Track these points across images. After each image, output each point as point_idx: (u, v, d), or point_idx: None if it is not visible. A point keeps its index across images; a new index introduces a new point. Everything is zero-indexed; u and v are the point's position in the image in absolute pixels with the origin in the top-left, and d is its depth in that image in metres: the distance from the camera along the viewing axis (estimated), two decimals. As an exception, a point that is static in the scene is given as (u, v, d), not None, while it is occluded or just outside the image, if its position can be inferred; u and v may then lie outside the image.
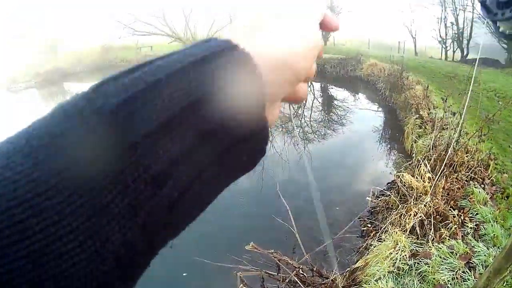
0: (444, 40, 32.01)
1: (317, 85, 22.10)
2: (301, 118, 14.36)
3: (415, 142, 8.95)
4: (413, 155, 8.29)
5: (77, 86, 24.02)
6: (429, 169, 6.14)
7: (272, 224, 5.77)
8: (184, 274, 5.64)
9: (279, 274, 4.27)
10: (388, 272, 4.31)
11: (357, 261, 5.06)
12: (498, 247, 4.31)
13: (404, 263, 4.35)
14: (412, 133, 9.67)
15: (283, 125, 12.89)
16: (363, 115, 14.93)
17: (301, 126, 13.25)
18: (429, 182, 5.81)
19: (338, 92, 20.28)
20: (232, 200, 7.52)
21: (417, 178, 6.19)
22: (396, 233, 4.89)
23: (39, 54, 29.47)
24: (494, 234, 4.61)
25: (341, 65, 24.01)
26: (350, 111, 15.54)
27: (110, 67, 28.38)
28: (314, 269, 4.41)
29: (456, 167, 6.38)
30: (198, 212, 0.35)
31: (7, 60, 27.39)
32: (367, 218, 6.55)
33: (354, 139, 11.90)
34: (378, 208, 6.72)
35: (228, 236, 6.42)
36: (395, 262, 4.38)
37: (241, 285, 3.99)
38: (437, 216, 5.07)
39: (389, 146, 11.16)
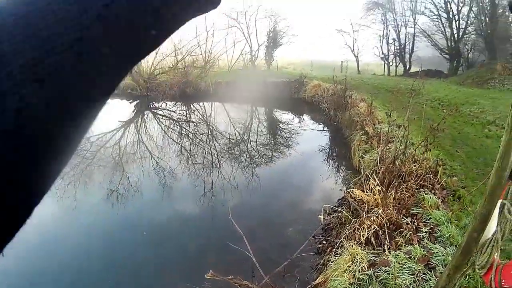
0: (387, 56, 33.55)
1: (261, 110, 22.36)
2: (247, 143, 14.44)
3: (362, 158, 9.20)
4: (361, 170, 8.52)
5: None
6: (378, 182, 6.34)
7: (228, 249, 5.74)
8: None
9: (241, 299, 4.23)
10: (349, 284, 4.37)
11: (316, 277, 5.10)
12: (455, 246, 4.49)
13: (364, 274, 4.42)
14: (359, 149, 9.94)
15: (230, 151, 12.95)
16: (309, 135, 15.24)
17: (248, 151, 13.32)
18: (379, 195, 5.99)
19: (283, 115, 20.63)
20: (185, 230, 7.44)
21: (367, 192, 6.36)
22: (352, 246, 4.99)
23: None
24: (449, 235, 4.82)
25: (285, 88, 24.42)
26: (296, 133, 15.84)
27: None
28: (275, 290, 4.41)
29: (405, 177, 6.63)
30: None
31: None
32: (321, 236, 6.62)
33: (301, 159, 12.05)
34: (331, 225, 6.82)
35: (184, 265, 6.29)
36: (355, 274, 4.45)
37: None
38: (391, 226, 5.23)
39: (336, 163, 11.42)
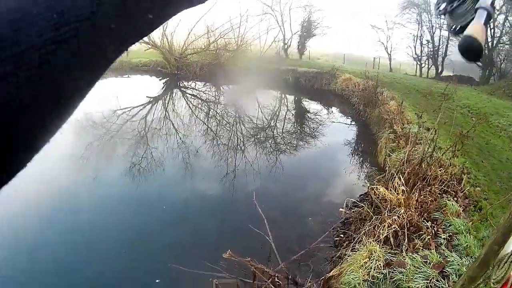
0: (419, 57, 32.89)
1: (290, 98, 22.27)
2: (274, 129, 14.41)
3: (388, 156, 9.07)
4: (386, 168, 8.39)
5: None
6: (403, 182, 6.22)
7: (246, 232, 5.74)
8: (157, 281, 5.49)
9: (254, 282, 4.22)
10: (363, 280, 4.32)
11: (331, 270, 5.06)
12: (471, 257, 4.39)
13: (379, 272, 4.37)
14: (386, 147, 9.80)
15: (255, 136, 12.94)
16: (336, 128, 15.10)
17: (273, 138, 13.28)
18: (402, 195, 5.88)
19: (311, 105, 20.47)
20: (205, 208, 7.48)
21: (390, 190, 6.26)
22: (371, 243, 4.92)
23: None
24: (467, 245, 4.70)
25: (315, 79, 24.25)
26: (323, 124, 15.70)
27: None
28: (290, 277, 4.39)
29: (429, 181, 6.50)
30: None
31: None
32: (340, 229, 6.57)
33: (326, 151, 11.96)
34: (351, 219, 6.75)
35: (204, 244, 6.31)
36: (370, 271, 4.40)
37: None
38: (411, 227, 5.14)
39: (361, 159, 11.29)
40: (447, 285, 3.95)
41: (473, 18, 0.72)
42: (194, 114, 16.39)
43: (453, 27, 0.81)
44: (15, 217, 7.02)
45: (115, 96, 17.47)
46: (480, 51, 0.65)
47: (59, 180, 8.91)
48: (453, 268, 4.21)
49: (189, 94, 22.19)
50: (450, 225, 5.24)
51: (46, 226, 6.89)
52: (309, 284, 4.40)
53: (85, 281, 5.40)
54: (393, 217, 5.30)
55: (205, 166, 10.00)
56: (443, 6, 0.81)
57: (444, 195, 6.22)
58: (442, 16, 0.83)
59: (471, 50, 0.66)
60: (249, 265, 4.11)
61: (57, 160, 9.65)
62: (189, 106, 18.14)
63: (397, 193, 6.06)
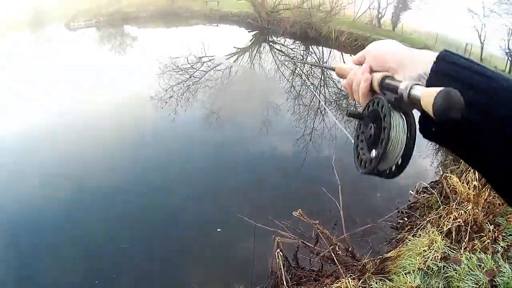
0: (511, 53, 30.25)
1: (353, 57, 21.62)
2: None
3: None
4: (462, 160, 8.05)
5: (137, 30, 24.21)
6: (477, 177, 6.00)
7: (318, 194, 5.84)
8: (218, 230, 5.73)
9: (315, 247, 4.34)
10: (418, 268, 4.31)
11: (389, 251, 5.07)
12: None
13: (435, 264, 4.32)
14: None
15: (337, 101, 12.79)
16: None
17: (355, 106, 13.08)
18: (473, 190, 5.69)
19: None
20: (280, 167, 7.63)
21: (463, 183, 6.07)
22: (433, 232, 4.85)
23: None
24: (522, 259, 4.49)
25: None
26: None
27: (175, 15, 28.44)
28: (349, 249, 4.46)
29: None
30: None
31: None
32: (405, 211, 6.50)
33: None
34: (418, 204, 6.64)
35: (272, 200, 6.48)
36: (427, 261, 4.36)
37: (278, 250, 4.08)
38: (474, 226, 4.98)
39: (437, 146, 10.89)
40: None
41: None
42: (279, 70, 16.38)
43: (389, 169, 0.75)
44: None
45: (202, 43, 17.75)
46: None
47: (139, 121, 9.44)
48: (503, 280, 4.06)
49: (277, 49, 22.11)
50: (510, 235, 5.02)
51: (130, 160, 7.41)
52: (366, 260, 4.46)
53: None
54: (460, 211, 5.17)
55: (284, 124, 10.11)
56: (368, 160, 0.74)
57: (512, 202, 5.88)
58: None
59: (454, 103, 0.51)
60: (315, 227, 4.21)
61: (138, 101, 10.20)
62: (275, 62, 18.12)
63: (468, 187, 5.87)
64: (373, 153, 0.71)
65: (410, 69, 0.69)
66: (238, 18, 28.67)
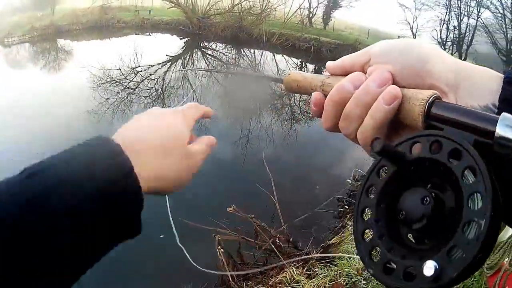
0: (444, 42, 31.92)
1: (310, 67, 22.07)
2: (291, 97, 14.36)
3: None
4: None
5: (71, 44, 23.54)
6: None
7: (253, 192, 5.86)
8: (162, 236, 5.59)
9: (256, 241, 4.36)
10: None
11: (331, 238, 5.18)
12: None
13: (378, 242, 4.46)
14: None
15: (271, 103, 12.93)
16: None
17: (290, 105, 13.28)
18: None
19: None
20: (217, 171, 7.61)
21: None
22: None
23: (35, 10, 28.70)
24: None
25: (337, 50, 23.93)
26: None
27: (107, 27, 27.92)
28: (290, 240, 4.52)
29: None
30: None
31: (3, 12, 26.78)
32: (345, 200, 6.65)
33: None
34: (356, 191, 6.81)
35: (210, 201, 6.44)
36: (371, 241, 4.48)
37: (219, 247, 4.06)
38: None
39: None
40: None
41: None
42: (212, 75, 16.37)
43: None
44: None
45: (135, 53, 17.58)
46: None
47: (73, 134, 9.12)
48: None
49: (209, 54, 22.10)
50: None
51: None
52: (309, 249, 4.52)
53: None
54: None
55: (219, 128, 10.09)
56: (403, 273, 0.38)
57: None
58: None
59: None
60: (252, 222, 4.23)
61: (71, 115, 9.87)
62: (208, 67, 18.12)
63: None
64: (430, 266, 0.35)
65: (469, 95, 0.47)
66: (170, 26, 28.43)
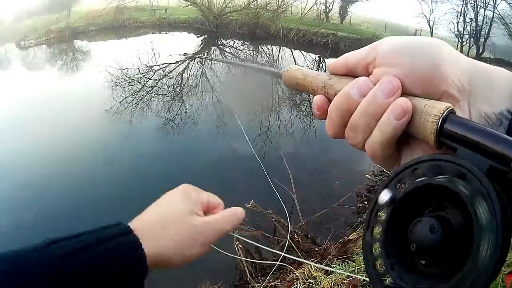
0: (461, 35, 31.35)
1: (328, 61, 21.95)
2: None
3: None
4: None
5: (88, 44, 23.82)
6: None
7: (272, 187, 5.88)
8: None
9: (274, 237, 4.37)
10: (380, 246, 4.38)
11: (350, 234, 5.16)
12: None
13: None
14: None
15: (290, 98, 12.90)
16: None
17: (309, 101, 13.22)
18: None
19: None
20: (237, 166, 7.64)
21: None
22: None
23: (51, 12, 29.16)
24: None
25: (355, 45, 23.71)
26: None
27: (123, 27, 28.18)
28: (309, 235, 4.51)
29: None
30: None
31: (20, 16, 27.37)
32: (364, 196, 6.61)
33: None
34: (376, 187, 6.76)
35: (228, 194, 6.45)
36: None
37: (237, 243, 4.08)
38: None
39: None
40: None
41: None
42: (230, 72, 16.38)
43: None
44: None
45: (152, 52, 17.76)
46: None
47: (93, 134, 9.24)
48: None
49: (227, 52, 22.14)
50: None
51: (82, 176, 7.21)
52: (327, 244, 4.52)
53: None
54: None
55: (238, 125, 10.11)
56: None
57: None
58: None
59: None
60: (270, 217, 4.24)
61: (91, 115, 10.00)
62: (226, 64, 18.13)
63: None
64: None
65: (482, 100, 0.44)
66: (186, 24, 28.62)
